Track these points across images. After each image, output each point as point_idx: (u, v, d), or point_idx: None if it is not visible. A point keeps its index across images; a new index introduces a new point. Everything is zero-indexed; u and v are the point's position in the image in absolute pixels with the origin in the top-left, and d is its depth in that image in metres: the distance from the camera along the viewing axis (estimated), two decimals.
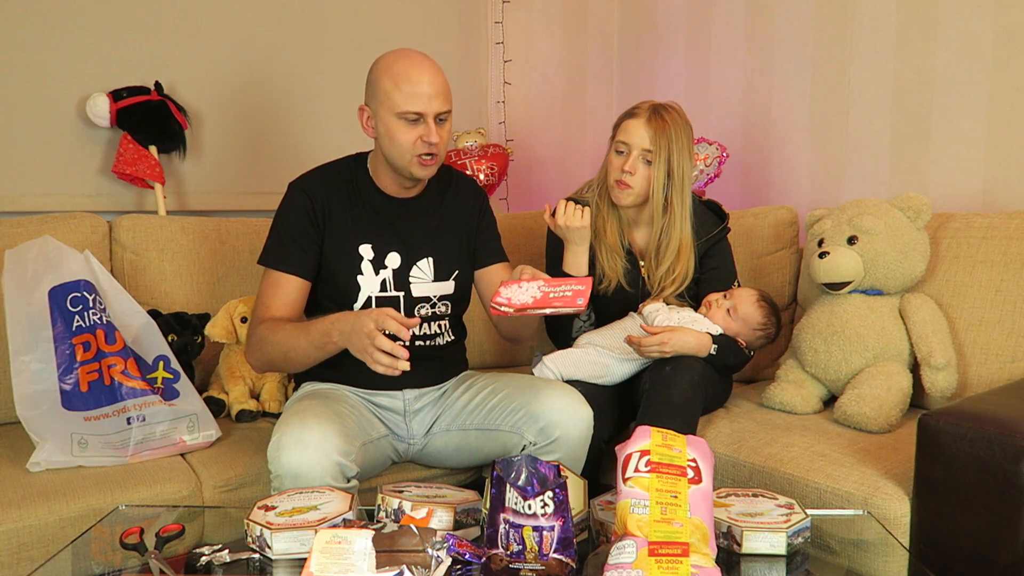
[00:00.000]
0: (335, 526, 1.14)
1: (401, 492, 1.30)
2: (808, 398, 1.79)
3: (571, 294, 1.33)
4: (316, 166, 1.63)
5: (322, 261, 1.57)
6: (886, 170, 2.21)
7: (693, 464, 1.07)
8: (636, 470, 1.06)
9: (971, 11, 1.99)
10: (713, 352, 1.67)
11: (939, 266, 1.82)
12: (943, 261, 1.82)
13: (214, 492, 1.52)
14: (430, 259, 1.62)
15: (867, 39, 2.21)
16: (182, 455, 1.62)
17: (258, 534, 1.15)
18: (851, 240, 1.78)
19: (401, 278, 1.59)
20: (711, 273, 1.85)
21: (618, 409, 1.74)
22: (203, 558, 1.15)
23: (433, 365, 1.65)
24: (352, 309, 1.57)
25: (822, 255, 1.79)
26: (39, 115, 2.24)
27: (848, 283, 1.78)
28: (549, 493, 1.05)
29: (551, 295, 1.34)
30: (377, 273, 1.58)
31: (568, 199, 1.80)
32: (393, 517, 1.23)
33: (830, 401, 1.83)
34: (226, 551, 1.16)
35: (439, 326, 1.65)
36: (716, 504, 1.21)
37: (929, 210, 1.77)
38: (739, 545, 1.16)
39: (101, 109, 2.23)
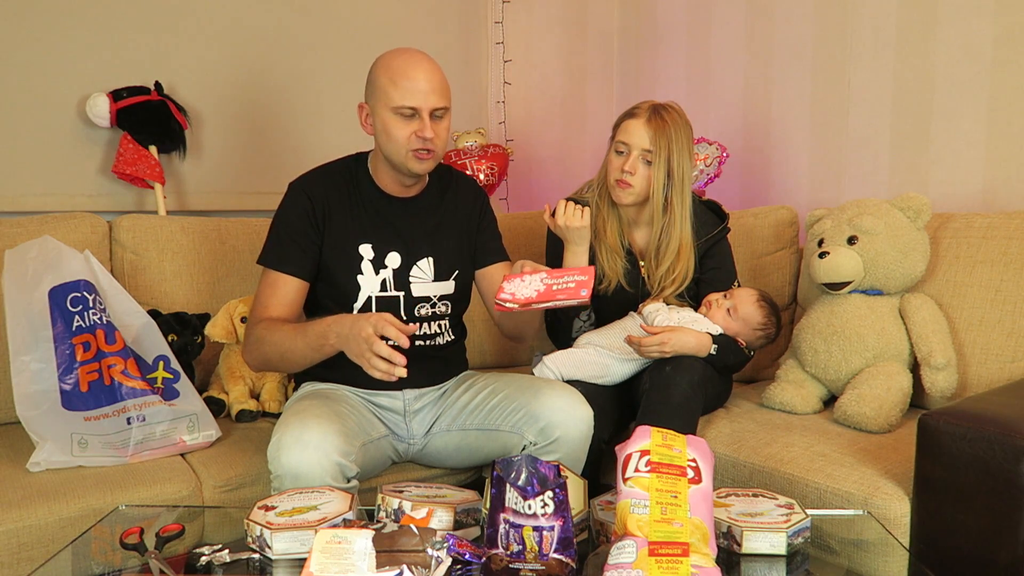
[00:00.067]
0: (335, 526, 1.14)
1: (401, 492, 1.30)
2: (808, 398, 1.79)
3: (574, 285, 1.33)
4: (316, 166, 1.63)
5: (322, 261, 1.57)
6: (886, 170, 2.21)
7: (693, 464, 1.07)
8: (636, 470, 1.05)
9: (971, 11, 1.99)
10: (713, 352, 1.67)
11: (939, 266, 1.82)
12: (943, 261, 1.82)
13: (214, 492, 1.52)
14: (430, 259, 1.62)
15: (867, 39, 2.21)
16: (182, 455, 1.62)
17: (258, 534, 1.15)
18: (851, 240, 1.78)
19: (401, 278, 1.59)
20: (711, 273, 1.85)
21: (618, 409, 1.74)
22: (203, 558, 1.15)
23: (433, 365, 1.65)
24: (352, 309, 1.57)
25: (822, 255, 1.79)
26: (39, 115, 2.24)
27: (848, 283, 1.78)
28: (549, 493, 1.05)
29: (554, 287, 1.34)
30: (377, 273, 1.58)
31: (568, 199, 1.80)
32: (393, 517, 1.23)
33: (830, 401, 1.83)
34: (226, 551, 1.16)
35: (439, 326, 1.65)
36: (716, 504, 1.21)
37: (929, 210, 1.77)
38: (739, 545, 1.16)
39: (101, 109, 2.23)
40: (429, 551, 1.02)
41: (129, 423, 1.55)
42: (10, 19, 2.18)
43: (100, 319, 1.59)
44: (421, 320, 1.62)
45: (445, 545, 1.05)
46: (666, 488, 1.03)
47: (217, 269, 2.06)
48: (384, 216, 1.60)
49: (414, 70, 1.48)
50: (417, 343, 1.61)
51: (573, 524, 1.08)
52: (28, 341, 1.56)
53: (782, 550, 1.15)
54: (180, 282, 2.01)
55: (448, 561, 1.04)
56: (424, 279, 1.61)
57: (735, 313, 1.75)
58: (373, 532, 1.04)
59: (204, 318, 1.92)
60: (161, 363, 1.67)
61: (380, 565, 0.99)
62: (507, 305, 1.34)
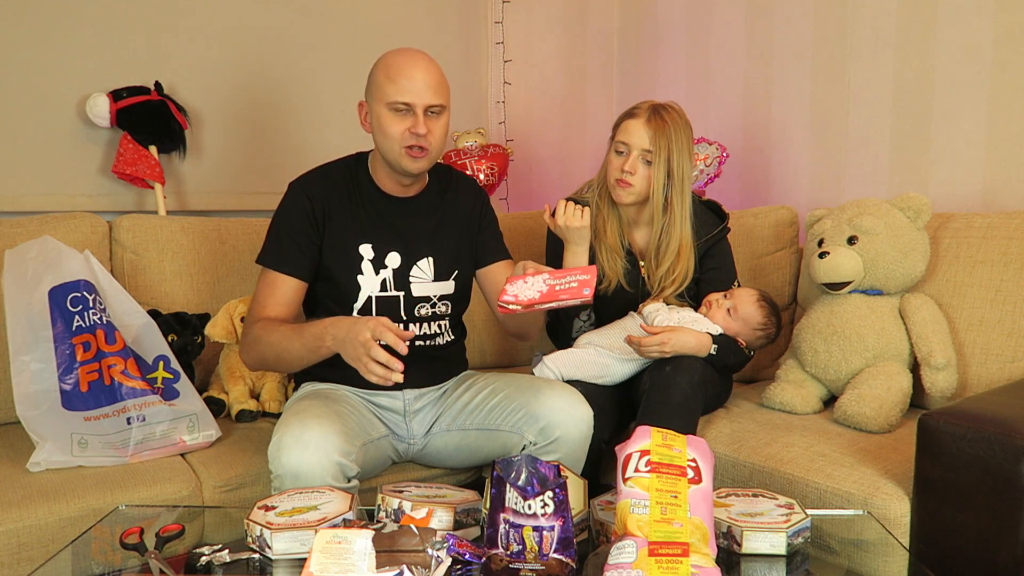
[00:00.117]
0: (335, 526, 1.14)
1: (401, 492, 1.30)
2: (808, 398, 1.79)
3: (577, 285, 1.33)
4: (316, 166, 1.63)
5: (322, 261, 1.57)
6: (886, 170, 2.21)
7: (693, 464, 1.07)
8: (636, 470, 1.06)
9: (971, 11, 1.99)
10: (713, 352, 1.67)
11: (939, 266, 1.82)
12: (943, 261, 1.82)
13: (214, 492, 1.52)
14: (430, 259, 1.62)
15: (867, 39, 2.21)
16: (182, 455, 1.62)
17: (258, 534, 1.15)
18: (851, 240, 1.78)
19: (401, 278, 1.59)
20: (711, 273, 1.85)
21: (618, 409, 1.74)
22: (203, 558, 1.15)
23: (433, 365, 1.65)
24: (352, 309, 1.57)
25: (822, 255, 1.79)
26: (39, 115, 2.24)
27: (848, 283, 1.78)
28: (549, 493, 1.05)
29: (557, 287, 1.34)
30: (377, 273, 1.58)
31: (568, 199, 1.80)
32: (393, 517, 1.23)
33: (830, 401, 1.83)
34: (226, 551, 1.16)
35: (439, 326, 1.65)
36: (716, 504, 1.21)
37: (929, 210, 1.77)
38: (739, 545, 1.16)
39: (101, 109, 2.23)
40: (429, 551, 1.02)
41: (129, 423, 1.55)
42: (10, 19, 2.18)
43: (100, 319, 1.59)
44: (421, 320, 1.62)
45: (445, 545, 1.05)
46: (666, 488, 1.03)
47: (217, 269, 2.06)
48: (384, 216, 1.60)
49: (410, 67, 1.48)
50: (417, 343, 1.61)
51: (573, 524, 1.08)
52: (28, 341, 1.56)
53: (782, 550, 1.15)
54: (180, 282, 2.01)
55: (448, 561, 1.04)
56: (424, 279, 1.61)
57: (735, 313, 1.75)
58: (373, 532, 1.04)
59: (204, 318, 1.92)
60: (161, 363, 1.67)
61: (380, 565, 0.99)
62: (510, 307, 1.34)
